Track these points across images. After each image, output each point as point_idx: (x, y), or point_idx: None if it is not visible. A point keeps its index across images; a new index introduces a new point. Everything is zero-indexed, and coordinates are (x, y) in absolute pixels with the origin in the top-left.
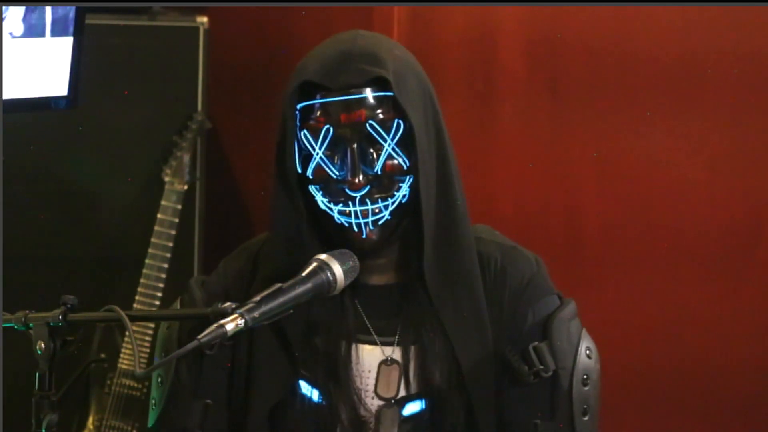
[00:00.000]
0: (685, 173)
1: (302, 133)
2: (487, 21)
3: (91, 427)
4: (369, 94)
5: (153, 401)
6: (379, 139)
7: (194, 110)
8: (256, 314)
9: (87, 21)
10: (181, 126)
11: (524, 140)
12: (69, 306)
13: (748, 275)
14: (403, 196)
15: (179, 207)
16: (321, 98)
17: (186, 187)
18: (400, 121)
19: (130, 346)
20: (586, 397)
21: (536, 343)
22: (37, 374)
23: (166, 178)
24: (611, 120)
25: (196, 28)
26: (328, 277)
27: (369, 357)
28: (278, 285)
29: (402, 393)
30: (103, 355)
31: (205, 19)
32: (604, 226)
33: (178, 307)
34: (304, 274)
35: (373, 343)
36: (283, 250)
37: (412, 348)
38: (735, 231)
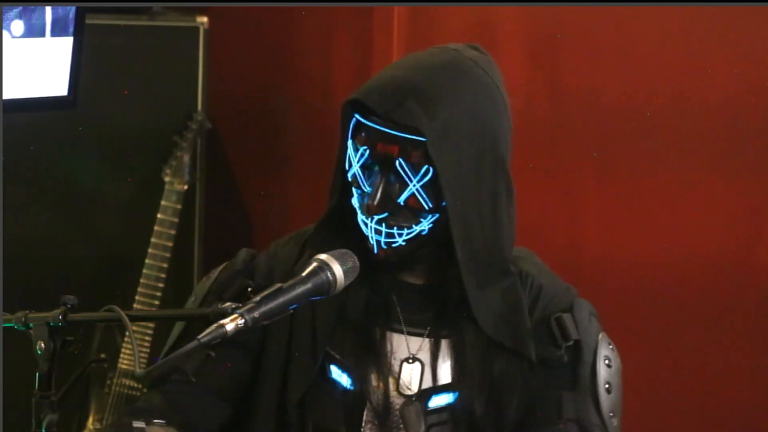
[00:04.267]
0: (685, 173)
1: (350, 142)
2: (487, 21)
3: (91, 427)
4: (407, 135)
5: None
6: (405, 178)
7: (194, 110)
8: (256, 314)
9: (87, 21)
10: (181, 126)
11: (524, 140)
12: (69, 306)
13: (748, 275)
14: (422, 230)
15: (179, 207)
16: (369, 120)
17: (186, 187)
18: (430, 168)
19: (130, 346)
20: (608, 376)
21: (559, 314)
22: (37, 374)
23: (166, 178)
24: (611, 120)
25: (196, 28)
26: (328, 277)
27: (397, 347)
28: (278, 285)
29: (428, 385)
30: (103, 355)
31: (205, 19)
32: (604, 226)
33: (219, 270)
34: (304, 274)
35: (401, 332)
36: (324, 234)
37: (443, 341)
38: (735, 231)
